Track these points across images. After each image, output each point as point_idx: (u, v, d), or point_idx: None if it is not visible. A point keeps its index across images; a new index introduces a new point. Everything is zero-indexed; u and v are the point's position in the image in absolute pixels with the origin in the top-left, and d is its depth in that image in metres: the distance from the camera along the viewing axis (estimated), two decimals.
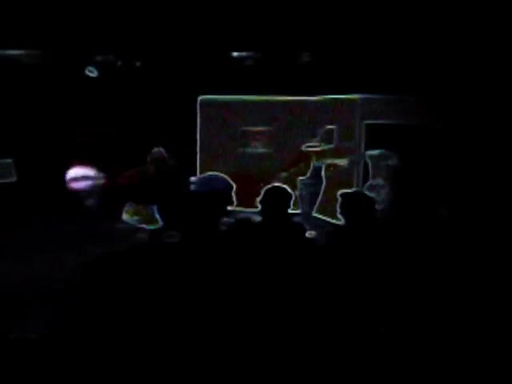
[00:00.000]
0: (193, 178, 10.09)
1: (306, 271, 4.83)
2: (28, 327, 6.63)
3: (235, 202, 9.54)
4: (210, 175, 9.69)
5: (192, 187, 9.74)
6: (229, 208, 9.32)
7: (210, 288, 4.22)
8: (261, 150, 13.42)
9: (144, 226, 9.81)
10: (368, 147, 11.77)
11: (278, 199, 5.61)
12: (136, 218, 9.94)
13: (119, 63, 13.00)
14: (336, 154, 12.03)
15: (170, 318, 4.07)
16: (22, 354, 4.78)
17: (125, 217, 10.00)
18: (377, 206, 5.86)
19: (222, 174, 9.57)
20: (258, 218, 5.75)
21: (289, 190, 5.79)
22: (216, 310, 4.16)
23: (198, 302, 4.16)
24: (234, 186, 9.40)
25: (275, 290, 4.53)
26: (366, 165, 11.61)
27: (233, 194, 9.56)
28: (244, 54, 13.03)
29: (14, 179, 11.52)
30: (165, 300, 4.16)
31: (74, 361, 4.11)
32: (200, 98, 13.41)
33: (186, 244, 4.47)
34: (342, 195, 5.68)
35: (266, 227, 5.47)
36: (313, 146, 11.75)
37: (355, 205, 5.50)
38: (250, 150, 13.40)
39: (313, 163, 11.53)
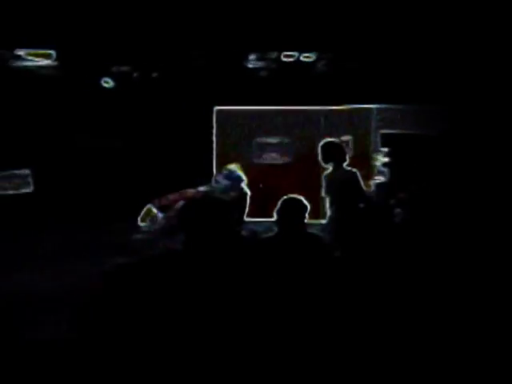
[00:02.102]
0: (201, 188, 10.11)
1: (321, 281, 4.81)
2: (43, 334, 6.68)
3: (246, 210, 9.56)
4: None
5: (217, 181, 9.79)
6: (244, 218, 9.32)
7: (223, 299, 4.20)
8: (276, 161, 13.38)
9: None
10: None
11: (293, 210, 5.60)
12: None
13: (135, 74, 13.03)
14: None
15: (184, 328, 4.06)
16: (34, 359, 4.77)
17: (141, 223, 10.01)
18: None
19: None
20: (274, 228, 5.74)
21: (304, 201, 5.77)
22: (229, 320, 4.15)
23: (210, 311, 4.14)
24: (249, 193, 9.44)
25: (290, 301, 4.51)
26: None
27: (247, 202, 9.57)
28: (259, 64, 13.04)
29: (31, 189, 11.57)
30: (180, 310, 4.15)
31: (87, 369, 4.11)
32: (216, 108, 13.40)
33: (201, 253, 4.45)
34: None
35: (282, 237, 5.46)
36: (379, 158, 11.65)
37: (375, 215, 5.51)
38: (266, 160, 13.36)
39: None
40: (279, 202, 5.67)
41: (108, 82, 12.95)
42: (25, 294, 8.66)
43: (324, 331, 4.34)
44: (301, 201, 5.75)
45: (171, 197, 10.38)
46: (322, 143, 9.01)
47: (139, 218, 10.27)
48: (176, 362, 3.95)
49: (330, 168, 8.76)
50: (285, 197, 5.79)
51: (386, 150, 11.63)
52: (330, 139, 9.31)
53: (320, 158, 8.86)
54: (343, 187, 8.47)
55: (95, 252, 10.56)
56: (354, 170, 8.74)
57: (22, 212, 11.98)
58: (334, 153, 8.76)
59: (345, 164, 8.69)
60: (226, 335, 4.03)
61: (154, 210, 9.81)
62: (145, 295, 4.19)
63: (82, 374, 4.11)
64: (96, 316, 4.29)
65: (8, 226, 11.70)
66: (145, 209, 10.24)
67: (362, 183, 8.70)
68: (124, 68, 12.92)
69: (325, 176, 8.81)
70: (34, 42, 11.58)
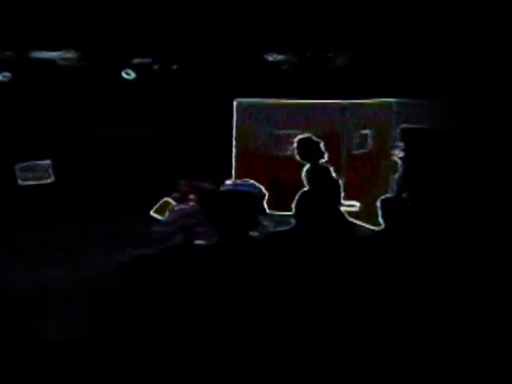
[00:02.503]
0: (227, 182, 10.08)
1: (336, 277, 4.82)
2: (62, 328, 6.71)
3: (267, 211, 9.53)
4: (243, 181, 9.68)
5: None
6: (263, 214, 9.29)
7: (244, 293, 4.20)
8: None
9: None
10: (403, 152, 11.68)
11: (311, 203, 5.61)
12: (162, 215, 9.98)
13: (156, 66, 13.05)
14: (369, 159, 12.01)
15: (206, 322, 4.06)
16: (54, 356, 4.76)
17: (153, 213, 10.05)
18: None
19: (253, 182, 9.56)
20: (292, 221, 5.75)
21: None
22: (248, 316, 4.15)
23: (228, 306, 4.14)
24: (267, 194, 9.40)
25: (301, 298, 4.51)
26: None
27: (264, 203, 9.55)
28: (280, 57, 13.03)
29: (51, 180, 11.67)
30: (201, 303, 4.15)
31: (108, 365, 4.11)
32: (236, 100, 13.40)
33: (221, 246, 4.46)
34: (383, 201, 5.66)
35: (300, 230, 5.47)
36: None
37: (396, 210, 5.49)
38: (286, 153, 13.32)
39: None
40: (297, 196, 5.68)
41: (129, 74, 12.98)
42: (38, 287, 8.71)
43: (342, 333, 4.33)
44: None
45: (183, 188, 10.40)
46: (298, 139, 8.92)
47: (152, 210, 10.30)
48: (197, 358, 3.96)
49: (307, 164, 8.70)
50: (302, 190, 5.80)
51: (401, 144, 11.62)
52: (306, 135, 9.20)
53: (296, 153, 8.78)
54: (318, 183, 8.42)
55: (109, 244, 10.61)
56: (327, 165, 8.68)
57: (43, 202, 12.05)
58: (311, 149, 8.70)
59: (322, 161, 8.61)
60: (245, 331, 4.03)
61: (172, 203, 9.83)
62: (162, 287, 4.20)
63: (99, 373, 4.12)
64: (112, 309, 4.31)
65: (27, 216, 11.79)
66: (161, 201, 10.27)
67: (337, 179, 8.65)
68: (145, 60, 12.96)
69: (305, 172, 8.76)
70: (56, 37, 11.63)
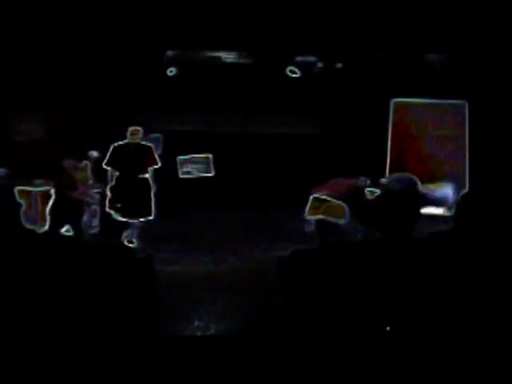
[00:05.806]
0: (383, 180, 10.01)
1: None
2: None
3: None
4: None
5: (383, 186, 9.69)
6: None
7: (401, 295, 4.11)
8: (450, 154, 13.16)
9: None
10: None
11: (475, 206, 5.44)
12: None
13: (320, 64, 13.08)
14: None
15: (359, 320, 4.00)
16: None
17: None
18: None
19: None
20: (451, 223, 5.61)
21: None
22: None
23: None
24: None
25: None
26: None
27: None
28: (437, 57, 12.86)
29: (212, 173, 11.98)
30: (356, 301, 4.09)
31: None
32: (393, 100, 13.31)
33: (383, 244, 4.37)
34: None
35: (461, 233, 5.33)
36: None
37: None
38: (440, 153, 13.14)
39: None
40: (460, 197, 5.53)
41: (295, 72, 13.06)
42: (187, 275, 8.90)
43: None
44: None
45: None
46: None
47: (306, 212, 10.34)
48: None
49: None
50: (464, 192, 5.65)
51: None
52: None
53: None
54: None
55: (261, 237, 10.70)
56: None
57: (198, 195, 12.31)
58: None
59: None
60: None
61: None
62: (319, 284, 4.17)
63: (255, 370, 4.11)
64: (270, 303, 4.31)
65: (185, 208, 12.09)
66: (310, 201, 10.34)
67: None
68: (309, 58, 13.03)
69: None
70: (224, 37, 11.88)
